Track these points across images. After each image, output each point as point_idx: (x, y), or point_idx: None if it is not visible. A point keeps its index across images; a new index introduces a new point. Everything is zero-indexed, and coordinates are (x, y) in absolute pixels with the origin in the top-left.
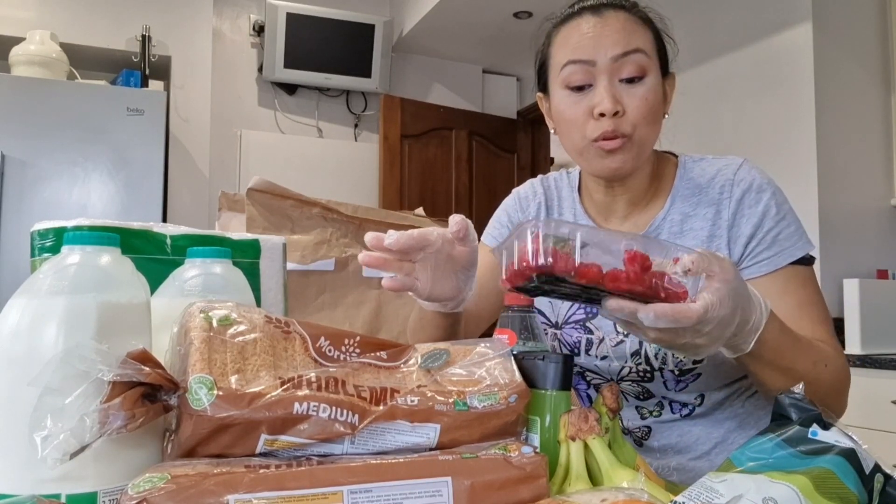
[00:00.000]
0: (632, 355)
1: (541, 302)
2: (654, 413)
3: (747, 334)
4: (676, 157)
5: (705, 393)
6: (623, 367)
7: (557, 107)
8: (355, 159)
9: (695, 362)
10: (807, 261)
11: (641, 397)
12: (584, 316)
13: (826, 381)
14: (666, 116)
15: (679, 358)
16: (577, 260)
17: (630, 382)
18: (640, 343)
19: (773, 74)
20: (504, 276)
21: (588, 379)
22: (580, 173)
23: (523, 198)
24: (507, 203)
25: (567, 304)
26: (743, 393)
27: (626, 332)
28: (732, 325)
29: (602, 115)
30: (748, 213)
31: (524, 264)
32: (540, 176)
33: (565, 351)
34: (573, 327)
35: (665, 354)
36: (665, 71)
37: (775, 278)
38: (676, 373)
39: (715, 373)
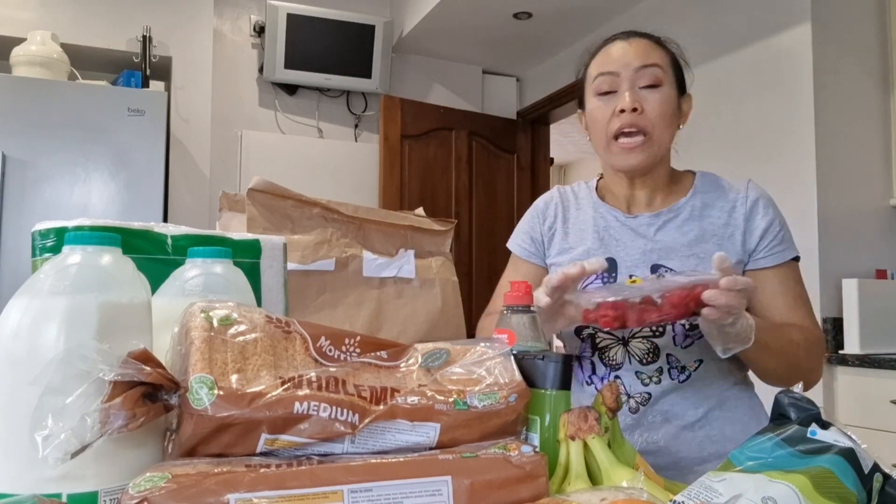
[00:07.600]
0: None
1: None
2: (654, 379)
3: (747, 329)
4: (694, 173)
5: (704, 358)
6: None
7: (590, 112)
8: (355, 159)
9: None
10: (796, 261)
11: (645, 360)
12: (600, 283)
13: (804, 350)
14: (681, 128)
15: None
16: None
17: (641, 339)
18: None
19: (772, 74)
20: (582, 317)
21: (597, 341)
22: (597, 181)
23: (541, 209)
24: (529, 213)
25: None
26: (731, 375)
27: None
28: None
29: (623, 111)
30: (762, 212)
31: (604, 318)
32: (558, 185)
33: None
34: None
35: None
36: (682, 90)
37: (782, 269)
38: (687, 327)
39: None
